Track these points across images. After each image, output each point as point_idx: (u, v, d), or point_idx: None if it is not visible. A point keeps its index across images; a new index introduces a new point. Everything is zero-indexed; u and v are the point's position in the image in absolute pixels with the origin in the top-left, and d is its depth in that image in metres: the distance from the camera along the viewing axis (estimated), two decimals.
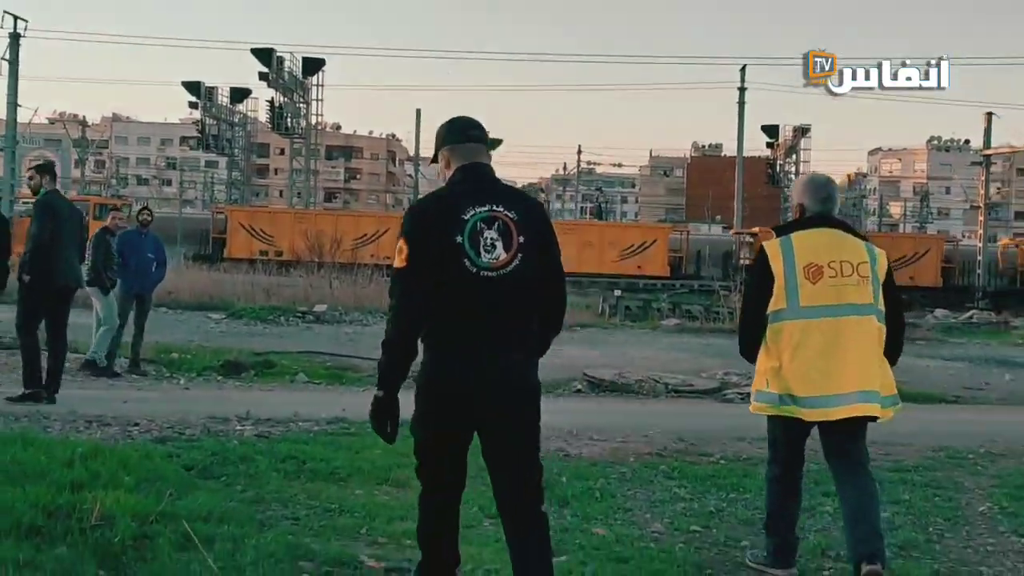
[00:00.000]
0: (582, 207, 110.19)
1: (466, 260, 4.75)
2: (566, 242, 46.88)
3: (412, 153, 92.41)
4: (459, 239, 4.76)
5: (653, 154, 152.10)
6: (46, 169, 11.93)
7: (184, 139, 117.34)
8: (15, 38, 53.72)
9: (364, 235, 53.05)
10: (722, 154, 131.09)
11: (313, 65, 68.46)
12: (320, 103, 69.89)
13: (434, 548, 5.09)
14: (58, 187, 12.15)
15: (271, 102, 69.08)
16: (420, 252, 4.74)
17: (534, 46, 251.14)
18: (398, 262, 4.78)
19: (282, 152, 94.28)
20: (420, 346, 4.82)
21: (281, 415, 11.16)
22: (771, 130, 69.39)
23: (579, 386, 16.60)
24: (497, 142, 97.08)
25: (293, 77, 68.39)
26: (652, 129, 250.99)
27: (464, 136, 5.07)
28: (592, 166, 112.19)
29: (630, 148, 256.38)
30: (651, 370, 18.03)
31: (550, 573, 4.89)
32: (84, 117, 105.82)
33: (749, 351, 6.17)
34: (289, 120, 69.64)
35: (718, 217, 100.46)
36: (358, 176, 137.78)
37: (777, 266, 5.94)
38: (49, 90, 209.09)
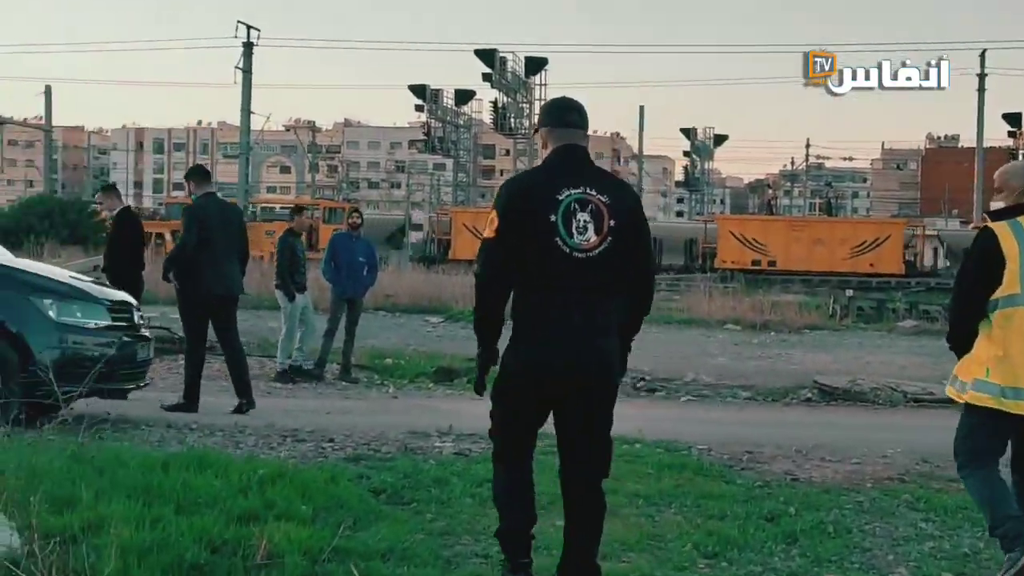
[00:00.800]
0: (811, 203, 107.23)
1: (558, 239, 4.89)
2: (795, 239, 45.36)
3: (636, 151, 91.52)
4: (553, 218, 4.90)
5: (885, 147, 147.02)
6: (193, 174, 11.65)
7: (412, 142, 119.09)
8: (248, 47, 55.16)
9: None
10: (959, 145, 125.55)
11: (535, 64, 68.32)
12: (543, 102, 69.58)
13: (510, 509, 5.24)
14: (213, 190, 11.78)
15: (494, 103, 69.33)
16: (511, 226, 4.91)
17: (759, 38, 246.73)
18: (488, 232, 4.94)
19: (507, 153, 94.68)
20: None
21: (483, 429, 10.49)
22: (1013, 118, 65.68)
23: (809, 394, 15.49)
24: (722, 138, 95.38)
25: (516, 77, 68.44)
26: (884, 121, 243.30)
27: (562, 119, 5.20)
28: (821, 160, 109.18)
29: (861, 141, 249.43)
30: (887, 377, 16.72)
31: (597, 543, 5.17)
32: (313, 123, 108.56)
33: (964, 343, 5.74)
34: (512, 120, 69.73)
35: (955, 211, 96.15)
36: None
37: (1010, 248, 5.57)
38: (282, 97, 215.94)
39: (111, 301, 10.00)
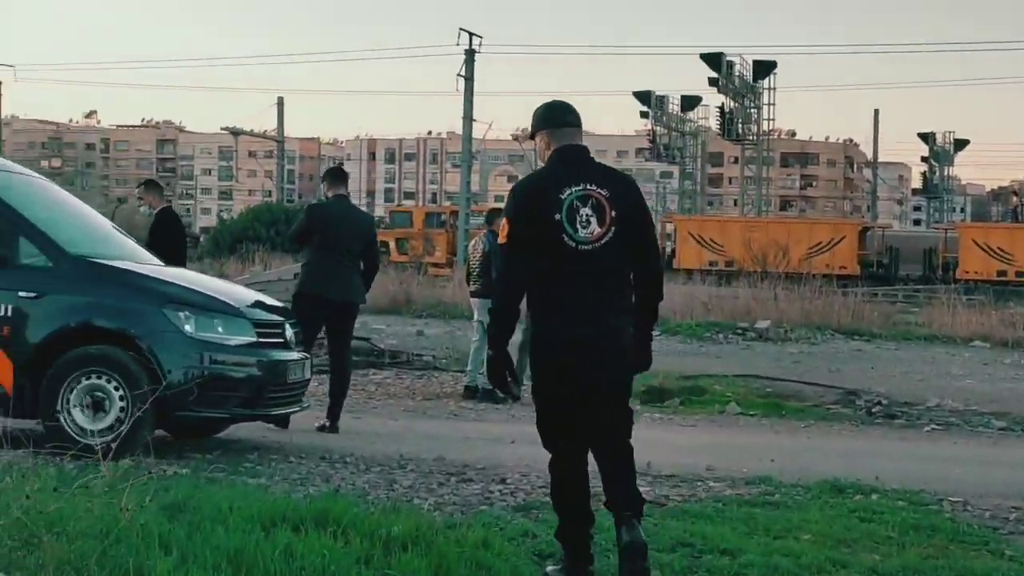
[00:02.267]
0: None
1: (564, 235, 5.31)
2: None
3: (870, 157, 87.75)
4: (558, 216, 5.31)
5: None
6: (328, 175, 11.00)
7: (639, 150, 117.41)
8: (470, 54, 54.59)
9: (818, 243, 50.00)
10: None
11: (764, 68, 65.91)
12: (772, 107, 67.14)
13: (568, 509, 5.59)
14: (345, 193, 10.85)
15: (721, 108, 67.18)
16: (520, 229, 5.34)
17: (1005, 34, 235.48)
18: (501, 238, 5.41)
19: (735, 161, 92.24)
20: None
21: (690, 468, 8.92)
22: None
23: None
24: (963, 143, 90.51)
25: (744, 81, 66.18)
26: None
27: (562, 121, 5.58)
28: None
29: None
30: None
31: (635, 484, 5.54)
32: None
33: None
34: (740, 126, 67.51)
35: None
36: (814, 183, 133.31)
37: None
38: (508, 105, 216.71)
39: (263, 316, 8.82)
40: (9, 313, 8.16)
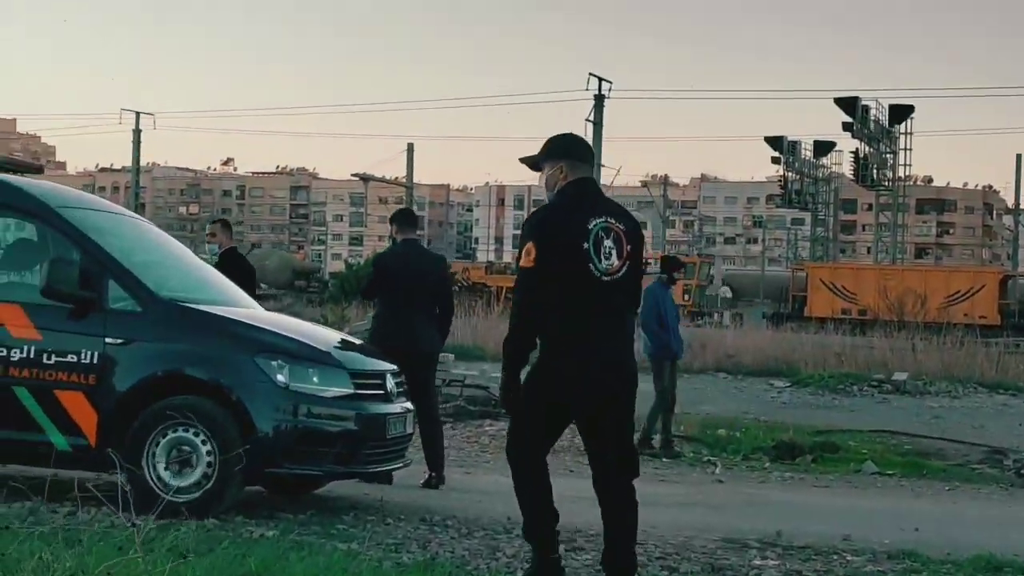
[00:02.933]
0: None
1: (591, 265, 5.52)
2: None
3: (1011, 204, 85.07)
4: (586, 246, 5.51)
5: None
6: (396, 218, 10.40)
7: (770, 197, 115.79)
8: (599, 100, 54.13)
9: (956, 292, 48.29)
10: None
11: (901, 112, 64.26)
12: (908, 152, 65.40)
13: (536, 505, 5.85)
14: (414, 237, 10.40)
15: (855, 153, 65.67)
16: (547, 255, 5.46)
17: None
18: (525, 263, 5.51)
19: (869, 207, 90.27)
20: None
21: (824, 538, 8.11)
22: None
23: None
24: None
25: (879, 126, 64.62)
26: None
27: (583, 155, 5.85)
28: None
29: None
30: None
31: (635, 537, 5.90)
32: (666, 176, 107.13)
33: None
34: (875, 172, 65.89)
35: None
36: (951, 231, 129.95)
37: None
38: (636, 151, 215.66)
39: (363, 366, 8.27)
40: (95, 360, 7.72)
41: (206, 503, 7.46)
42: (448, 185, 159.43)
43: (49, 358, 7.74)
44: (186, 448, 7.56)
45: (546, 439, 5.86)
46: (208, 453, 7.52)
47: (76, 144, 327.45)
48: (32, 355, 7.75)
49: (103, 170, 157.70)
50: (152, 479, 7.50)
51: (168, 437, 7.55)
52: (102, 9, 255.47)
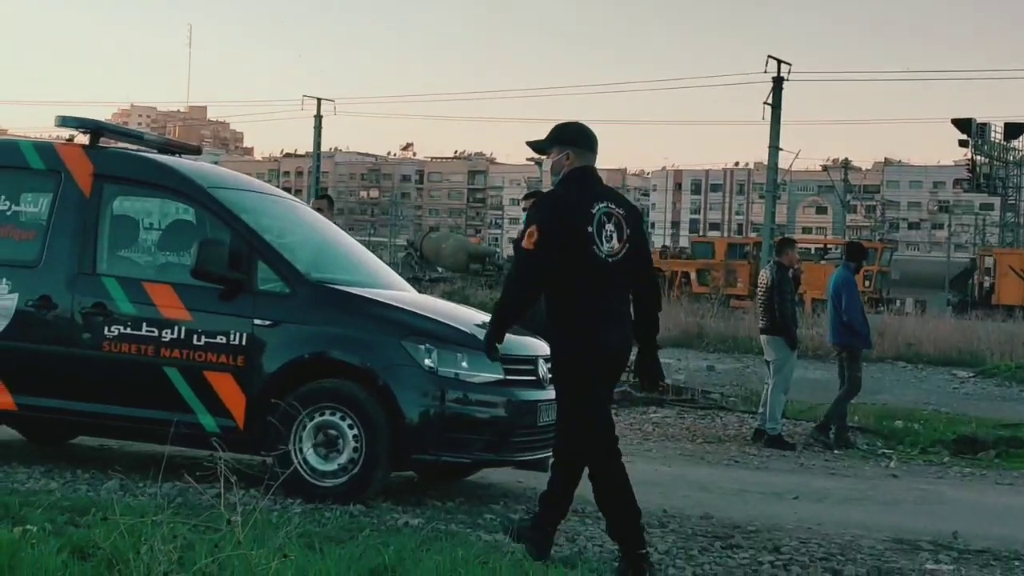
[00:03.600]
0: None
1: (594, 247, 5.87)
2: None
3: None
4: (590, 229, 5.87)
5: None
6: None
7: (957, 181, 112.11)
8: (778, 82, 52.88)
9: None
10: None
11: None
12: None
13: (631, 503, 6.05)
14: None
15: None
16: (550, 238, 5.81)
17: None
18: (527, 244, 5.82)
19: None
20: None
21: (1005, 542, 7.56)
22: None
23: None
24: None
25: None
26: None
27: (591, 145, 6.16)
28: None
29: None
30: None
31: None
32: (847, 160, 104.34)
33: None
34: None
35: None
36: None
37: None
38: (817, 134, 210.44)
39: (514, 351, 8.01)
40: (244, 342, 7.63)
41: (352, 489, 7.32)
42: (624, 169, 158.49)
43: (199, 339, 7.69)
44: (333, 432, 7.43)
45: (608, 407, 6.15)
46: (355, 438, 7.38)
47: (262, 130, 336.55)
48: (183, 336, 7.71)
49: (287, 155, 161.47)
50: (299, 463, 7.38)
51: (315, 421, 7.43)
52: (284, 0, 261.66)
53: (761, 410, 12.92)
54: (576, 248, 5.83)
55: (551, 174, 6.17)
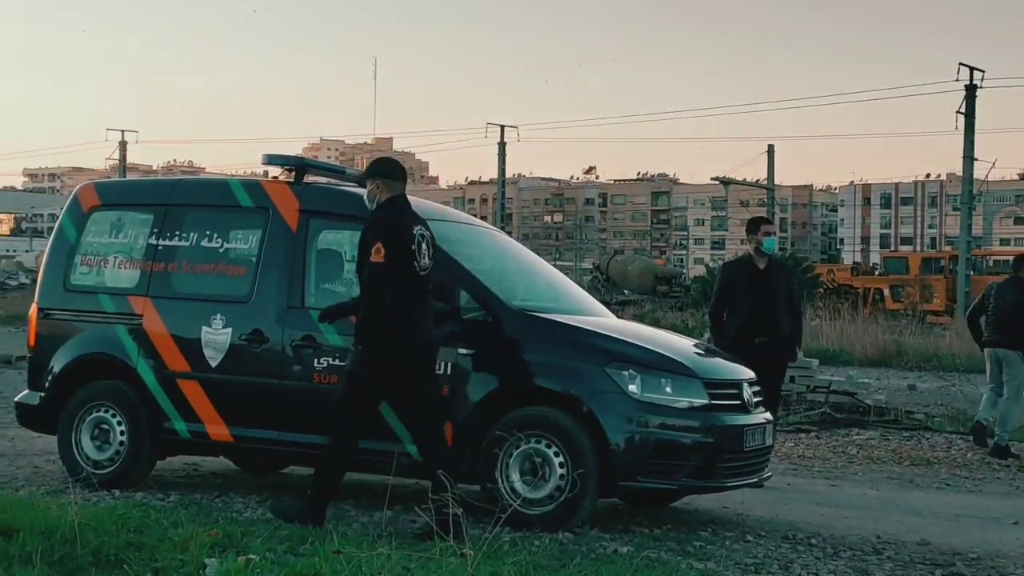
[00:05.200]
0: None
1: (415, 262, 7.18)
2: None
3: None
4: (413, 247, 7.18)
5: None
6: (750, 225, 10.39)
7: None
8: (971, 90, 51.35)
9: None
10: None
11: None
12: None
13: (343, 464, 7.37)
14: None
15: None
16: (393, 253, 7.07)
17: None
18: (376, 258, 7.05)
19: None
20: None
21: None
22: None
23: None
24: None
25: None
26: None
27: (400, 175, 7.48)
28: None
29: None
30: None
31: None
32: None
33: None
34: None
35: None
36: None
37: None
38: (1010, 142, 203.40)
39: (717, 375, 7.93)
40: (448, 370, 7.73)
41: (559, 516, 7.32)
42: (811, 185, 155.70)
43: None
44: (538, 460, 7.44)
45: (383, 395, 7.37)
46: (561, 465, 7.38)
47: (447, 159, 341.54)
48: None
49: (472, 183, 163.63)
50: (506, 491, 7.42)
51: (521, 448, 7.46)
52: (465, 29, 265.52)
53: (998, 431, 12.55)
54: (403, 262, 7.06)
55: (367, 201, 7.34)
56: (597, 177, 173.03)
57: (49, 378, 8.77)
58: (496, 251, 9.08)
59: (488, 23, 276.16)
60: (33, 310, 9.05)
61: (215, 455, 8.98)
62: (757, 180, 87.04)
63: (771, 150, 69.09)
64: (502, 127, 62.54)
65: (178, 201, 8.94)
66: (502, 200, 67.49)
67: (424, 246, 7.20)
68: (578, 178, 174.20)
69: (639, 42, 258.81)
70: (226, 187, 8.93)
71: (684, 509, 8.52)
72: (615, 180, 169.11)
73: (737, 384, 7.93)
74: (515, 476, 7.45)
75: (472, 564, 4.69)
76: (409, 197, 7.59)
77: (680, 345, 8.33)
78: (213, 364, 8.25)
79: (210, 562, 5.65)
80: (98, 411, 8.53)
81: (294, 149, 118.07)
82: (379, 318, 7.03)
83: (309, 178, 8.83)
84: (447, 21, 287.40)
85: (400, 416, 7.50)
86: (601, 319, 8.52)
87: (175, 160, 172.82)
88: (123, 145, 64.00)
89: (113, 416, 8.48)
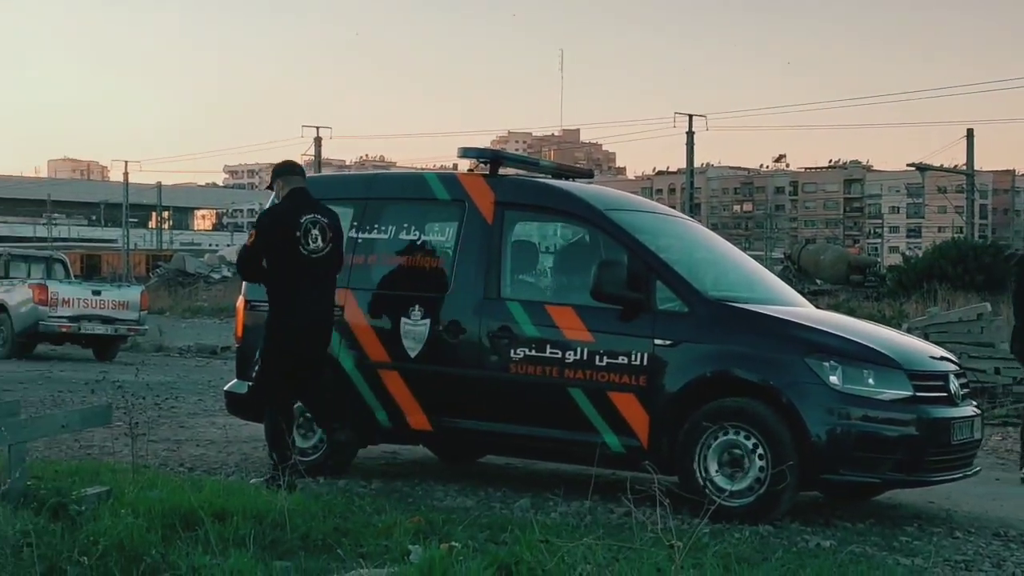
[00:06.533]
0: None
1: (300, 247, 8.07)
2: None
3: None
4: (297, 234, 8.06)
5: None
6: None
7: None
8: None
9: None
10: None
11: None
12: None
13: (285, 439, 8.11)
14: None
15: None
16: (266, 239, 8.23)
17: None
18: (248, 242, 8.42)
19: None
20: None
21: None
22: None
23: None
24: None
25: None
26: None
27: (296, 171, 8.57)
28: None
29: None
30: None
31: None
32: None
33: None
34: None
35: None
36: None
37: None
38: None
39: (922, 367, 7.70)
40: (646, 362, 7.69)
41: (759, 509, 7.23)
42: (1013, 171, 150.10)
43: (601, 359, 7.80)
44: (737, 451, 7.36)
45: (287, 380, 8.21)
46: (760, 457, 7.29)
47: (634, 149, 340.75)
48: (585, 356, 7.85)
49: (659, 173, 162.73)
50: (703, 482, 7.36)
51: (719, 440, 7.39)
52: (652, 19, 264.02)
53: None
54: (285, 247, 8.04)
55: (274, 198, 8.52)
56: (787, 165, 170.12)
57: (256, 368, 9.04)
58: (691, 241, 9.01)
59: (675, 11, 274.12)
60: (240, 302, 9.33)
61: (414, 444, 9.14)
62: (955, 166, 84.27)
63: (970, 134, 66.84)
64: (690, 116, 61.92)
65: (376, 195, 9.12)
66: (690, 190, 66.82)
67: (315, 231, 8.08)
68: (768, 166, 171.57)
69: (830, 27, 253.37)
70: (423, 181, 9.08)
71: (887, 503, 8.31)
72: (806, 168, 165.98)
73: (943, 376, 7.70)
74: (713, 467, 7.39)
75: (680, 556, 4.64)
76: (604, 188, 7.59)
77: (882, 335, 8.12)
78: (412, 355, 8.39)
79: (414, 548, 5.75)
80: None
81: (482, 142, 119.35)
82: (244, 289, 8.99)
83: (503, 170, 8.91)
84: (634, 11, 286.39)
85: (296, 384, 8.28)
86: (799, 309, 8.38)
87: (367, 155, 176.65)
88: (318, 141, 65.56)
89: None
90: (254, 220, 8.80)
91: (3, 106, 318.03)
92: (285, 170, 8.49)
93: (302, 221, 8.04)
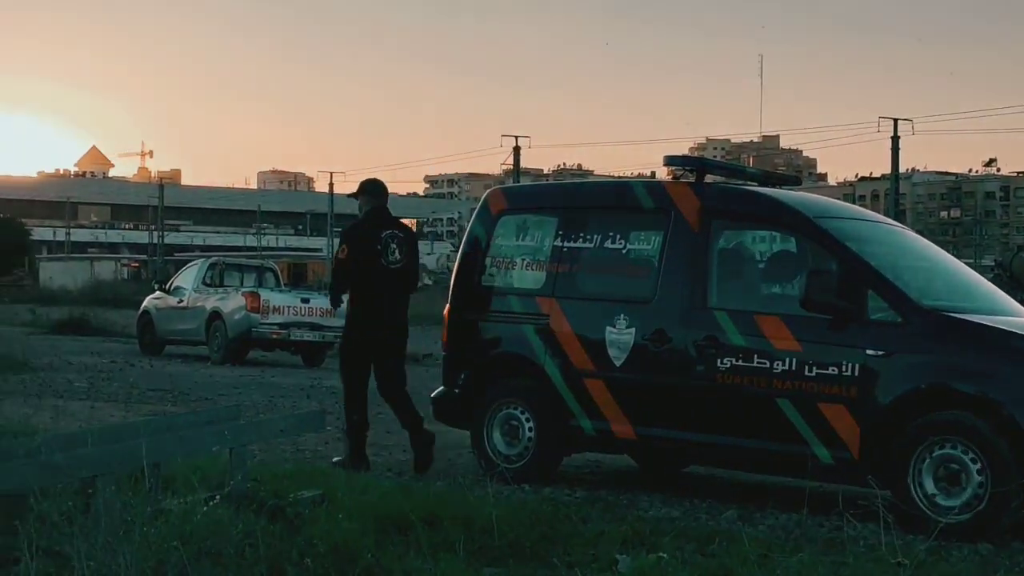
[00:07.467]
0: None
1: (381, 259, 9.07)
2: None
3: None
4: (379, 247, 9.08)
5: None
6: None
7: None
8: None
9: None
10: None
11: None
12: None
13: (362, 435, 9.14)
14: None
15: None
16: (353, 252, 9.18)
17: None
18: (340, 255, 9.37)
19: None
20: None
21: None
22: None
23: None
24: None
25: None
26: None
27: (380, 192, 9.46)
28: None
29: None
30: None
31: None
32: None
33: None
34: None
35: None
36: None
37: None
38: None
39: None
40: (856, 372, 7.50)
41: (978, 526, 6.97)
42: None
43: (810, 370, 7.66)
44: (954, 466, 7.12)
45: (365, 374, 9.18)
46: (978, 472, 7.03)
47: (835, 155, 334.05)
48: (794, 367, 7.71)
49: (862, 179, 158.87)
50: (918, 497, 7.15)
51: (935, 454, 7.16)
52: (854, 23, 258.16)
53: None
54: (368, 260, 9.02)
55: (359, 212, 9.41)
56: (998, 170, 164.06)
57: (462, 375, 9.17)
58: (904, 248, 8.76)
59: (876, 13, 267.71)
60: (447, 310, 9.48)
61: (618, 452, 9.13)
62: None
63: None
64: (895, 120, 60.31)
65: (581, 204, 9.16)
66: (895, 196, 65.02)
67: (393, 245, 9.08)
68: (977, 171, 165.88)
69: None
70: (628, 189, 9.05)
71: None
72: (1018, 172, 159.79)
73: None
74: (928, 482, 7.16)
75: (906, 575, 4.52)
76: (812, 194, 7.43)
77: None
78: (617, 363, 8.38)
79: (622, 558, 5.74)
80: (508, 408, 8.84)
81: (679, 149, 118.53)
82: (336, 300, 9.68)
83: (708, 178, 8.83)
84: (834, 16, 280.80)
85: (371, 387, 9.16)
86: (1020, 319, 8.06)
87: (564, 164, 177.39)
88: (516, 150, 66.16)
89: (522, 413, 8.77)
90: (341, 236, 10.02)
91: (217, 122, 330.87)
92: (371, 189, 9.43)
93: (383, 236, 9.05)
